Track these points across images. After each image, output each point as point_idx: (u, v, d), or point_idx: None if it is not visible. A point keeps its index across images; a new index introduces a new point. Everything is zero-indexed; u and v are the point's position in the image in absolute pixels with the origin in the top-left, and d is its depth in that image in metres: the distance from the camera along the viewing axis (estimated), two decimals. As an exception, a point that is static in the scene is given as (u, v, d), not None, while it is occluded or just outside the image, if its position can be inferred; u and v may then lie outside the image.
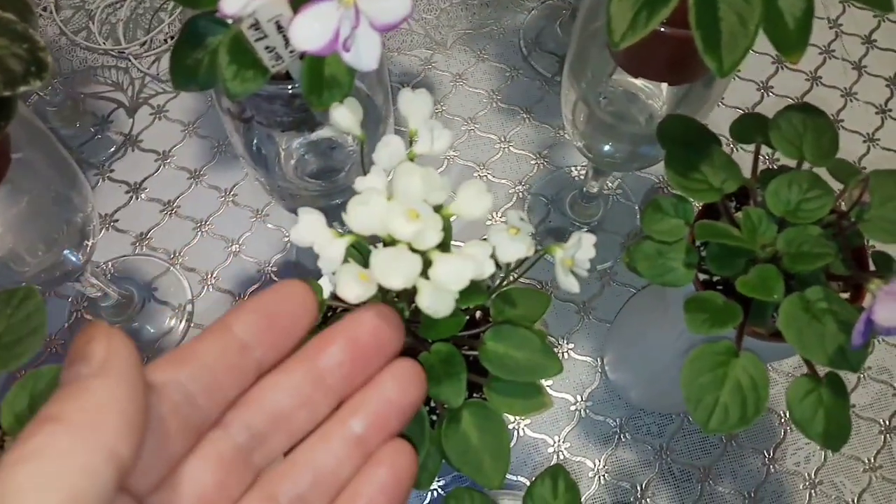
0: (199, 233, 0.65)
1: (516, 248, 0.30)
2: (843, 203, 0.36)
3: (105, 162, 0.68)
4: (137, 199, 0.66)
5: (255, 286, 0.63)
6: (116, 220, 0.65)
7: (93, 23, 0.73)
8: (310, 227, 0.30)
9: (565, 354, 0.61)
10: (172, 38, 0.73)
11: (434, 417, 0.38)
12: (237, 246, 0.64)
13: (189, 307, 0.62)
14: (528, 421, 0.59)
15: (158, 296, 0.63)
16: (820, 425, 0.33)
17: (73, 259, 0.49)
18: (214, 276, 0.63)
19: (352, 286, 0.29)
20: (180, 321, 0.62)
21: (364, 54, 0.29)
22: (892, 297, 0.29)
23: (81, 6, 0.74)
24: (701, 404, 0.33)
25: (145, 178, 0.67)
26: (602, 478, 0.57)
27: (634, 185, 0.67)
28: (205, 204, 0.66)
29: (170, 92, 0.71)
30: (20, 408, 0.31)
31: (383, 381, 0.26)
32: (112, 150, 0.68)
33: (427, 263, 0.29)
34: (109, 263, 0.64)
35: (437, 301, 0.28)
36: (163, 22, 0.74)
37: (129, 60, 0.72)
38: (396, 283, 0.27)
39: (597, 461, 0.58)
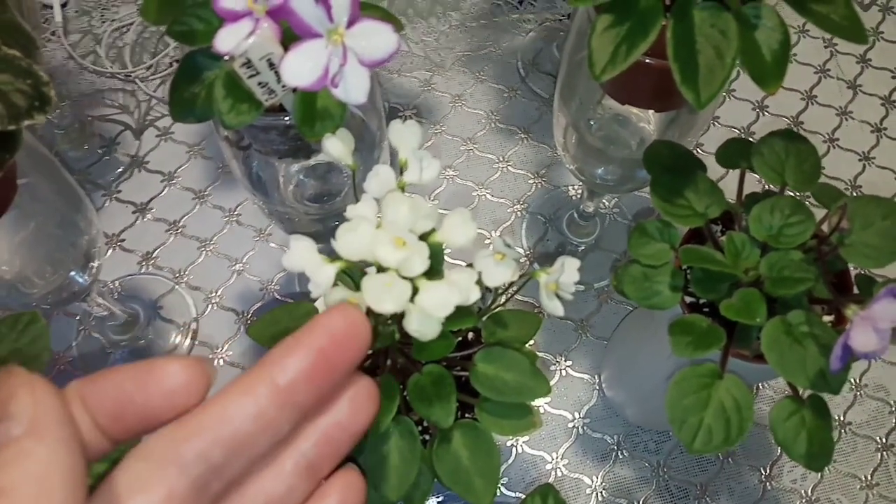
0: (204, 252, 0.66)
1: (501, 272, 0.31)
2: (824, 227, 0.36)
3: (112, 183, 0.69)
4: (144, 219, 0.68)
5: (258, 304, 0.64)
6: (123, 240, 0.67)
7: (100, 47, 0.75)
8: (301, 254, 0.31)
9: (563, 372, 0.62)
10: (177, 61, 0.75)
11: (426, 437, 0.38)
12: (241, 265, 0.66)
13: (194, 325, 0.63)
14: (526, 438, 0.59)
15: (164, 314, 0.64)
16: (803, 446, 0.34)
17: (80, 280, 0.50)
18: (218, 294, 0.64)
19: (341, 311, 0.30)
20: (185, 339, 0.63)
21: (353, 89, 0.30)
22: (867, 322, 0.30)
23: (89, 30, 0.76)
24: (685, 425, 0.34)
25: (151, 199, 0.69)
26: (600, 495, 0.58)
27: (631, 205, 0.68)
28: (209, 224, 0.67)
29: (175, 114, 0.72)
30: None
31: (339, 403, 0.25)
32: (119, 171, 0.70)
33: (416, 289, 0.30)
34: (116, 282, 0.65)
35: (424, 325, 0.29)
36: (168, 46, 0.75)
37: (136, 84, 0.74)
38: (387, 308, 0.28)
39: (594, 478, 0.58)
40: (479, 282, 0.31)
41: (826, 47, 0.76)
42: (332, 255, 0.32)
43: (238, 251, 0.66)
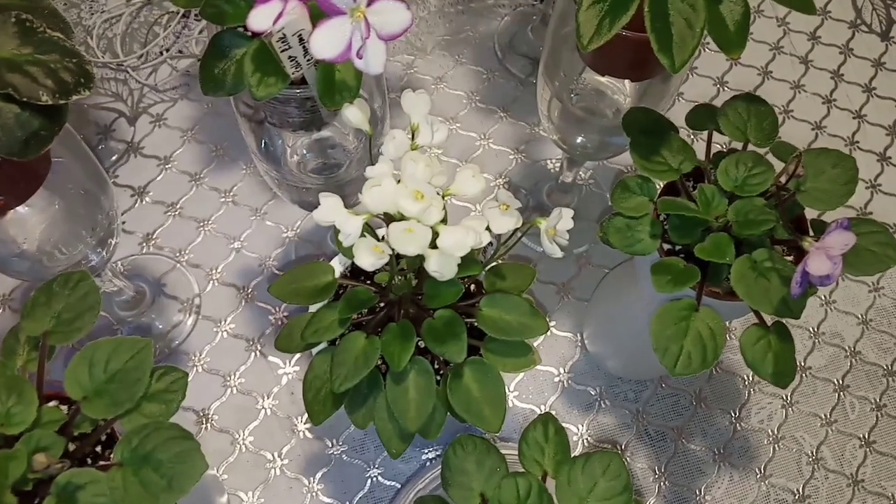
0: (203, 232, 0.69)
1: (506, 220, 0.36)
2: (783, 178, 0.41)
3: (109, 168, 0.72)
4: (142, 202, 0.71)
5: (258, 279, 0.68)
6: (124, 222, 0.69)
7: (91, 38, 0.77)
8: (330, 208, 0.35)
9: (548, 332, 0.66)
10: (167, 50, 0.78)
11: (439, 378, 0.43)
12: (239, 243, 0.69)
13: (197, 301, 0.67)
14: (516, 392, 0.64)
15: (167, 291, 0.67)
16: (770, 366, 0.39)
17: (96, 257, 0.53)
18: (219, 271, 0.68)
19: (366, 256, 0.34)
20: (189, 314, 0.66)
21: (372, 61, 0.34)
22: (822, 251, 0.35)
23: (79, 22, 0.79)
24: (668, 352, 0.39)
25: (149, 183, 0.71)
26: (585, 441, 0.63)
27: (605, 176, 0.73)
28: (206, 205, 0.71)
29: (168, 101, 0.75)
30: (82, 376, 0.35)
31: None
32: (115, 157, 0.73)
33: (434, 236, 0.34)
34: (119, 263, 0.68)
35: (442, 265, 0.33)
36: (158, 36, 0.78)
37: (128, 72, 0.76)
38: (410, 250, 0.32)
39: (580, 426, 0.63)
40: (488, 229, 0.36)
41: (779, 26, 0.82)
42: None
43: (236, 230, 0.70)
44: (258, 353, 0.65)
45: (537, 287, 0.68)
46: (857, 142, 0.76)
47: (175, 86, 0.76)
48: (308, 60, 0.35)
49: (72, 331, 0.36)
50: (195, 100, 0.75)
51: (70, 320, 0.36)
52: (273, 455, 0.61)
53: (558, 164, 0.72)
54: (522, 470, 0.39)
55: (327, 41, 0.33)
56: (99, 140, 0.73)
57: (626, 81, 0.53)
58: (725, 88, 0.78)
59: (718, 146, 0.70)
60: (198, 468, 0.34)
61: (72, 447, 0.38)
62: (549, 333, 0.66)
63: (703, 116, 0.45)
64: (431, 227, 0.33)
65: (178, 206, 0.70)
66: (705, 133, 0.46)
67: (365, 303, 0.41)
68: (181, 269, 0.68)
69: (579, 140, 0.54)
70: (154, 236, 0.69)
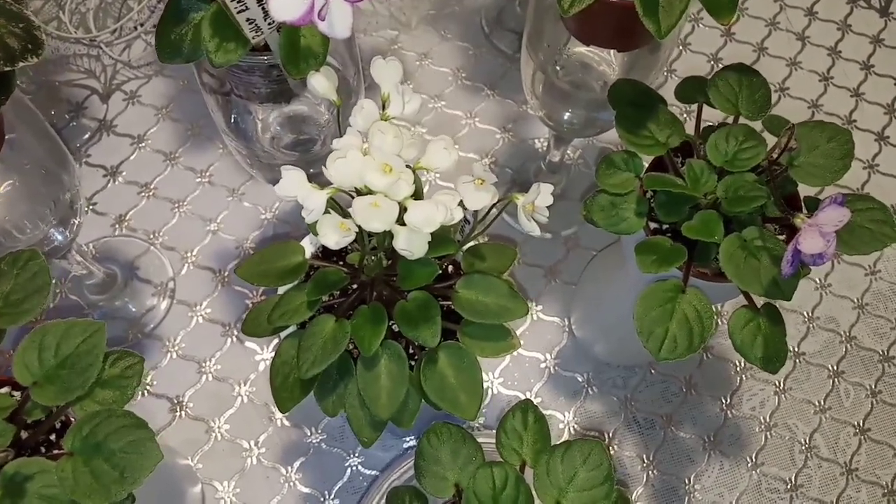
0: (177, 213, 0.67)
1: (481, 196, 0.33)
2: (775, 153, 0.39)
3: (81, 147, 0.69)
4: (115, 182, 0.68)
5: (235, 262, 0.65)
6: (95, 203, 0.67)
7: (63, 12, 0.75)
8: (293, 182, 0.33)
9: (534, 316, 0.64)
10: (142, 25, 0.75)
11: (413, 363, 0.41)
12: (215, 224, 0.67)
13: (171, 284, 0.64)
14: (500, 379, 0.62)
15: (141, 274, 0.65)
16: (759, 350, 0.37)
17: (59, 237, 0.51)
18: (194, 253, 0.65)
19: (331, 233, 0.32)
20: (163, 298, 0.64)
21: (337, 23, 0.32)
22: (814, 228, 0.33)
23: (51, -4, 0.76)
24: (652, 336, 0.37)
25: (122, 162, 0.69)
26: (572, 429, 0.61)
27: (594, 155, 0.71)
28: (181, 185, 0.68)
29: (142, 78, 0.73)
30: (32, 361, 0.33)
31: None
32: (87, 135, 0.70)
33: (402, 211, 0.32)
34: (90, 245, 0.65)
35: (411, 243, 0.31)
36: (132, 10, 0.75)
37: (101, 48, 0.74)
38: (375, 226, 0.30)
39: (566, 414, 0.61)
40: (461, 205, 0.34)
41: (776, 1, 0.79)
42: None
43: (212, 211, 0.67)
44: (234, 338, 0.62)
45: (523, 270, 0.66)
46: (855, 120, 0.74)
47: (149, 62, 0.73)
48: (269, 24, 0.33)
49: (21, 312, 0.34)
50: (170, 76, 0.72)
51: (19, 301, 0.34)
52: (250, 444, 0.59)
53: (546, 144, 0.70)
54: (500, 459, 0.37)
55: (287, 1, 0.31)
56: (70, 118, 0.71)
57: (613, 52, 0.51)
58: (719, 65, 0.75)
59: (709, 123, 0.68)
60: (152, 458, 0.32)
61: (24, 435, 0.36)
62: (535, 318, 0.64)
63: (692, 88, 0.43)
64: (400, 203, 0.31)
65: (151, 187, 0.68)
66: (696, 112, 0.43)
67: (335, 284, 0.39)
68: (155, 252, 0.66)
69: (566, 116, 0.52)
70: (127, 218, 0.67)
